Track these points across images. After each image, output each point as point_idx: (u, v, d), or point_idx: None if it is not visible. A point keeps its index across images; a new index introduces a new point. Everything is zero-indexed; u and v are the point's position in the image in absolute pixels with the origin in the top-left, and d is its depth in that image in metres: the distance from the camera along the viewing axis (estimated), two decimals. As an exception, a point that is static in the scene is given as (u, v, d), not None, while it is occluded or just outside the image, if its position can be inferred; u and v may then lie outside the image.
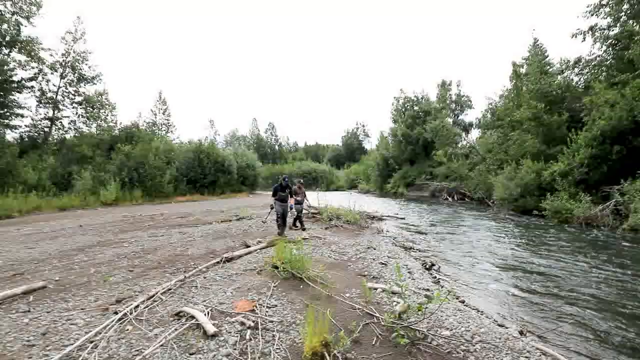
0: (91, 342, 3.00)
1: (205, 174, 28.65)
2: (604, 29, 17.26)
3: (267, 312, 3.77)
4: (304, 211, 10.53)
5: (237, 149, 39.23)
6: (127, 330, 3.28)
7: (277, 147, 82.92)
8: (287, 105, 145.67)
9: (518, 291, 5.40)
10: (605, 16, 17.09)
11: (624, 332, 3.90)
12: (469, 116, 45.89)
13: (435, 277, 5.92)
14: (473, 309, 4.37)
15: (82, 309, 3.83)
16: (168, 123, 39.36)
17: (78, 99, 25.99)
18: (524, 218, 14.10)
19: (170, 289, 4.45)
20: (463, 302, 4.66)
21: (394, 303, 3.80)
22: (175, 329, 3.26)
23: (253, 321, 3.50)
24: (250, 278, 5.00)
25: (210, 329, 3.22)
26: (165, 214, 14.60)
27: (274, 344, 3.06)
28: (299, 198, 9.65)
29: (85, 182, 20.03)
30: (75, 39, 25.82)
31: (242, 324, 3.47)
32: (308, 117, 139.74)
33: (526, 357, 3.03)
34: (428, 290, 4.60)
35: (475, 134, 37.35)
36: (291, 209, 8.98)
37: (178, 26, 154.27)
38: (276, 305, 3.97)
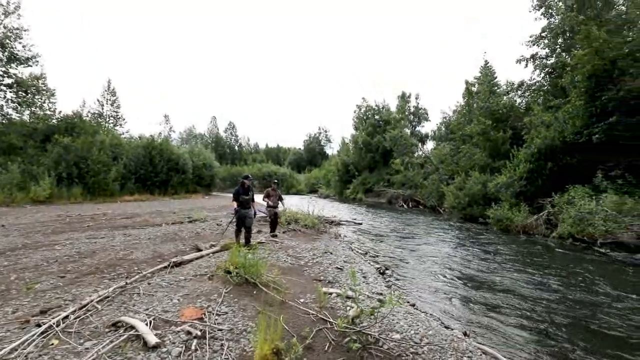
0: (4, 360, 2.61)
1: (157, 172, 26.88)
2: (543, 58, 19.33)
3: (216, 319, 3.58)
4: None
5: (194, 148, 37.39)
6: (52, 344, 2.91)
7: (236, 147, 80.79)
8: (249, 105, 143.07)
9: (464, 294, 5.72)
10: (544, 47, 19.18)
11: (555, 328, 4.28)
12: (425, 128, 48.56)
13: (389, 281, 6.08)
14: (422, 312, 4.53)
15: (-4, 322, 3.34)
16: (117, 115, 36.27)
17: (8, 81, 22.90)
18: (471, 225, 15.11)
19: (108, 297, 4.05)
20: (413, 305, 4.82)
21: (348, 308, 3.81)
22: (111, 341, 2.95)
23: (200, 330, 3.29)
24: (201, 284, 4.73)
25: (152, 339, 2.97)
26: (109, 214, 13.44)
27: (222, 354, 2.89)
28: (270, 202, 9.03)
29: (12, 176, 17.68)
30: (7, 13, 22.73)
31: (189, 333, 3.24)
32: (271, 118, 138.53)
33: (469, 357, 3.18)
34: (381, 294, 4.69)
35: (430, 145, 39.63)
36: (255, 215, 7.71)
37: (136, 13, 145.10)
38: (227, 313, 3.78)
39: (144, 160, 26.37)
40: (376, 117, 41.57)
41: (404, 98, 43.66)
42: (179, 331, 3.26)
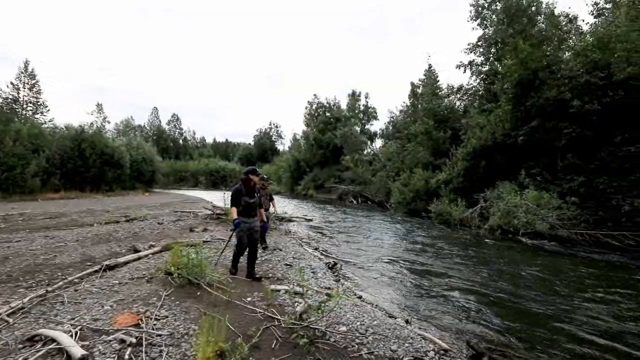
0: None
1: (88, 166, 24.28)
2: (478, 65, 21.16)
3: (155, 324, 3.32)
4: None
5: (132, 140, 34.43)
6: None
7: (181, 141, 76.27)
8: (194, 98, 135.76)
9: (408, 283, 6.05)
10: (480, 55, 21.00)
11: (485, 307, 4.72)
12: (374, 126, 50.45)
13: (338, 275, 6.20)
14: (369, 304, 4.69)
15: None
16: (37, 102, 31.96)
17: None
18: (415, 219, 16.06)
19: (23, 308, 3.55)
20: (360, 297, 4.97)
21: (296, 304, 3.80)
22: (25, 359, 2.58)
23: (136, 337, 3.03)
24: (138, 287, 4.37)
25: (77, 352, 2.66)
26: (27, 213, 11.82)
27: (160, 361, 2.70)
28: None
29: None
30: None
31: (122, 341, 2.97)
32: (218, 113, 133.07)
33: (410, 343, 3.37)
34: (330, 288, 4.76)
35: (379, 143, 41.27)
36: (265, 229, 5.82)
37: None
38: (167, 316, 3.54)
39: (72, 154, 23.63)
40: (327, 114, 42.13)
41: (354, 96, 44.80)
42: (110, 340, 2.97)
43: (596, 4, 16.79)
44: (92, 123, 32.81)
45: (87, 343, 2.90)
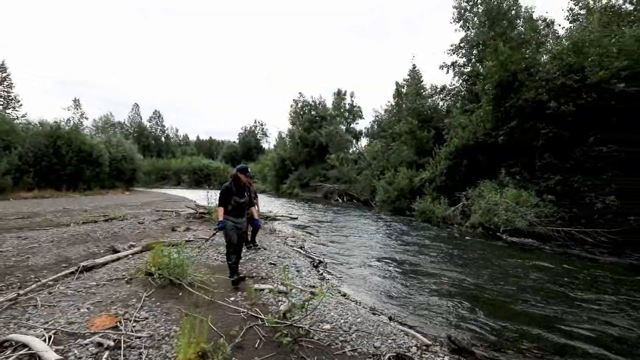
0: None
1: (64, 164, 23.35)
2: (461, 66, 21.58)
3: (134, 327, 3.24)
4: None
5: (111, 138, 33.35)
6: None
7: (163, 138, 74.50)
8: (177, 96, 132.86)
9: (391, 280, 6.12)
10: (462, 56, 21.42)
11: (466, 303, 4.83)
12: (359, 125, 50.79)
13: (322, 274, 6.20)
14: (353, 301, 4.72)
15: None
16: (8, 96, 30.54)
17: None
18: (399, 217, 16.27)
19: (-9, 312, 3.39)
20: (344, 295, 4.99)
21: (280, 303, 3.78)
22: (-7, 365, 2.46)
23: (114, 340, 2.94)
24: (117, 289, 4.24)
25: (51, 357, 2.56)
26: (-1, 213, 11.29)
27: (139, 364, 2.63)
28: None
29: None
30: None
31: (99, 344, 2.88)
32: (202, 110, 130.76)
33: (393, 339, 3.41)
34: (314, 287, 4.76)
35: (364, 142, 41.59)
36: (257, 226, 6.27)
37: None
38: (147, 318, 3.46)
39: (47, 151, 22.67)
40: (313, 112, 42.05)
41: (339, 95, 44.94)
42: (87, 344, 2.87)
43: (571, 9, 17.44)
44: (68, 119, 31.67)
45: (61, 347, 2.81)
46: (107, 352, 2.75)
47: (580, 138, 11.89)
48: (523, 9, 19.04)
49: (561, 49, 13.22)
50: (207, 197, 11.24)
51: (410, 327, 3.99)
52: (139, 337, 3.04)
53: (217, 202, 4.65)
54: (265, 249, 7.28)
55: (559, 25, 18.35)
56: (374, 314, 4.34)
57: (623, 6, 15.31)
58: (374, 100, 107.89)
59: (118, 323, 3.27)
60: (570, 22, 17.49)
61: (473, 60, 20.82)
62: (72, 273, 4.86)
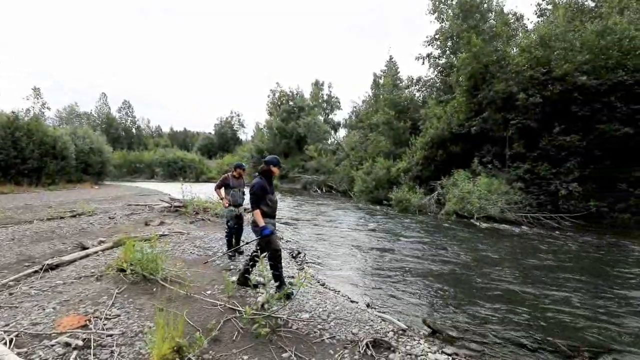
0: None
1: (25, 158, 21.83)
2: (436, 58, 21.92)
3: (105, 324, 3.11)
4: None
5: (77, 129, 31.46)
6: None
7: (134, 130, 71.27)
8: (148, 86, 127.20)
9: (369, 268, 6.24)
10: (437, 48, 21.74)
11: (446, 293, 5.01)
12: (338, 116, 50.70)
13: (301, 264, 6.22)
14: (331, 290, 4.76)
15: None
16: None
17: None
18: (377, 207, 16.54)
19: (-57, 317, 3.15)
20: (323, 284, 5.03)
21: (258, 294, 3.75)
22: (-54, 372, 2.30)
23: (83, 339, 2.82)
24: (86, 287, 4.05)
25: (12, 360, 2.41)
26: (-49, 211, 10.44)
27: (111, 362, 2.53)
28: (229, 198, 6.17)
29: None
30: None
31: (67, 345, 2.75)
32: (175, 101, 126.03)
33: (370, 325, 3.48)
34: (293, 277, 4.76)
35: (342, 132, 41.73)
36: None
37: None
38: (119, 315, 3.33)
39: (4, 144, 21.11)
40: (290, 103, 41.64)
41: (317, 85, 44.71)
42: (53, 345, 2.74)
43: (539, 4, 18.10)
44: (28, 109, 29.54)
45: (24, 350, 2.65)
46: (75, 352, 2.63)
47: (546, 128, 12.49)
48: (494, 3, 19.53)
49: (529, 43, 13.72)
50: (182, 190, 10.91)
51: (387, 314, 4.09)
52: (110, 335, 2.93)
53: (251, 204, 3.98)
54: (242, 241, 7.17)
55: (528, 19, 19.08)
56: (352, 302, 4.40)
57: (585, 2, 16.06)
58: (351, 92, 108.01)
59: (87, 322, 3.14)
60: (538, 17, 18.15)
61: (447, 52, 21.22)
62: (36, 272, 4.59)
